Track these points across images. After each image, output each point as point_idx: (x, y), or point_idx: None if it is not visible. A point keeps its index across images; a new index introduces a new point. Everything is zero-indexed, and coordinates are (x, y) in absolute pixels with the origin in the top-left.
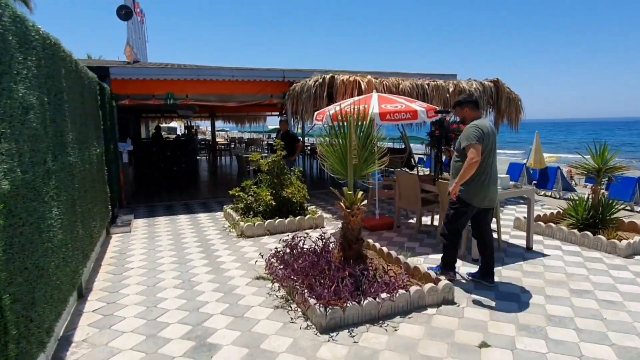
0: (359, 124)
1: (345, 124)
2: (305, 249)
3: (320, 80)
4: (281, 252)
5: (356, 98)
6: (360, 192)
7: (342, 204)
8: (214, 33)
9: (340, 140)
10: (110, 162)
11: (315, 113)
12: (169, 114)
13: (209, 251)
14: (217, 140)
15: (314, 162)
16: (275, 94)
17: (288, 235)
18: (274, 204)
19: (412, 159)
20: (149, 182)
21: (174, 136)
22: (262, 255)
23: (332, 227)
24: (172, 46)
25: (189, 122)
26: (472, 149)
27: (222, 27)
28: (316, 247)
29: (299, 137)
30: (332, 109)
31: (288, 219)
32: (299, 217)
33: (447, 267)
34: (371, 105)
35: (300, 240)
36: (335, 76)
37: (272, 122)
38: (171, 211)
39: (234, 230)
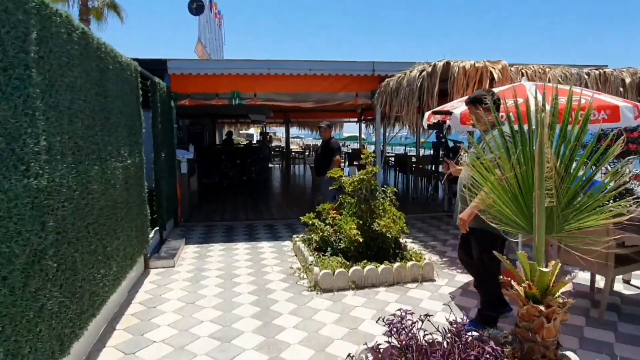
0: (565, 128)
1: (521, 128)
2: (426, 344)
3: (429, 69)
4: (386, 349)
5: (501, 88)
6: (555, 264)
7: (519, 288)
8: (295, 33)
9: (514, 159)
10: (160, 175)
11: (427, 114)
12: (243, 119)
13: (267, 315)
14: (291, 147)
15: (399, 176)
16: (362, 92)
17: (382, 293)
18: (360, 240)
19: None
20: (214, 193)
21: (247, 142)
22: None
23: (445, 280)
24: (251, 51)
25: (264, 128)
26: None
27: (303, 24)
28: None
29: (339, 148)
30: (458, 106)
31: (382, 266)
32: (397, 264)
33: (499, 307)
34: (530, 99)
35: (414, 326)
36: (452, 63)
37: (350, 129)
38: (230, 235)
39: (305, 276)
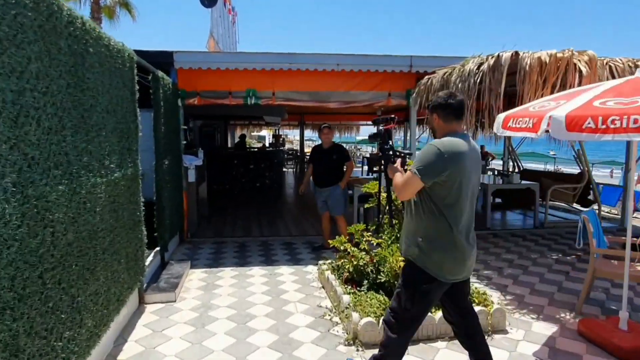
0: None
1: None
2: None
3: (491, 61)
4: None
5: (609, 83)
6: None
7: None
8: (314, 30)
9: None
10: (162, 185)
11: (502, 116)
12: (256, 121)
13: None
14: (305, 150)
15: None
16: (396, 91)
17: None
18: None
19: (592, 190)
20: (225, 203)
21: (259, 145)
22: None
23: (521, 332)
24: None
25: (277, 131)
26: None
27: (324, 18)
28: None
29: (347, 150)
30: (555, 106)
31: (439, 313)
32: None
33: None
34: None
35: None
36: (522, 53)
37: (367, 132)
38: (243, 255)
39: (338, 321)
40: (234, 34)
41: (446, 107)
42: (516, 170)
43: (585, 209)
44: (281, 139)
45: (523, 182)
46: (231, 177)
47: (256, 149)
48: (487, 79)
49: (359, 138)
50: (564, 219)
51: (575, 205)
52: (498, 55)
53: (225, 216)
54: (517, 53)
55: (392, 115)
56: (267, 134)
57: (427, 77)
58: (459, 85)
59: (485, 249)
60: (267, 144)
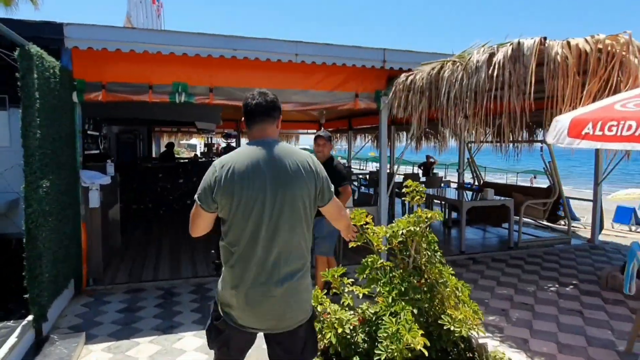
0: None
1: None
2: None
3: (508, 50)
4: None
5: None
6: None
7: None
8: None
9: None
10: (36, 219)
11: (567, 121)
12: (186, 128)
13: None
14: None
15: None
16: (364, 92)
17: None
18: (425, 354)
19: (562, 205)
20: (146, 227)
21: (191, 155)
22: None
23: None
24: None
25: (209, 139)
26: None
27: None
28: None
29: (346, 169)
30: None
31: None
32: None
33: None
34: None
35: None
36: (550, 41)
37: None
38: (170, 310)
39: None
40: (160, 26)
41: (245, 108)
42: (475, 183)
43: (554, 225)
44: (215, 148)
45: (496, 197)
46: (156, 195)
47: (187, 160)
48: (505, 73)
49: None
50: (535, 237)
51: (544, 222)
52: (518, 43)
53: (147, 248)
54: (544, 38)
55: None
56: (198, 142)
57: (404, 75)
58: (464, 82)
59: (473, 281)
60: (199, 154)
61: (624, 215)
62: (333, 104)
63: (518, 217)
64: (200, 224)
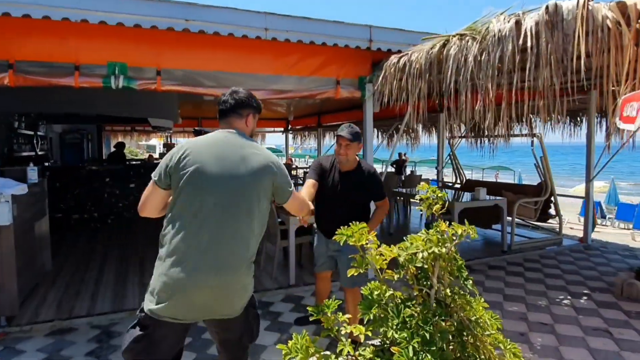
0: None
1: None
2: None
3: (546, 14)
4: None
5: None
6: None
7: None
8: None
9: None
10: None
11: (619, 101)
12: (142, 126)
13: None
14: None
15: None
16: (346, 78)
17: None
18: None
19: (552, 203)
20: (89, 243)
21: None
22: None
23: None
24: None
25: (169, 138)
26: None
27: None
28: None
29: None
30: None
31: None
32: None
33: None
34: None
35: None
36: (594, 4)
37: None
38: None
39: None
40: None
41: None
42: (458, 181)
43: (543, 224)
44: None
45: (489, 197)
46: (102, 202)
47: (140, 162)
48: (541, 43)
49: (269, 146)
50: (527, 238)
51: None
52: (555, 5)
53: (86, 270)
54: (588, 0)
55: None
56: (158, 143)
57: (395, 56)
58: (480, 58)
59: None
60: (157, 155)
61: (627, 212)
62: (310, 91)
63: (510, 218)
64: (150, 200)
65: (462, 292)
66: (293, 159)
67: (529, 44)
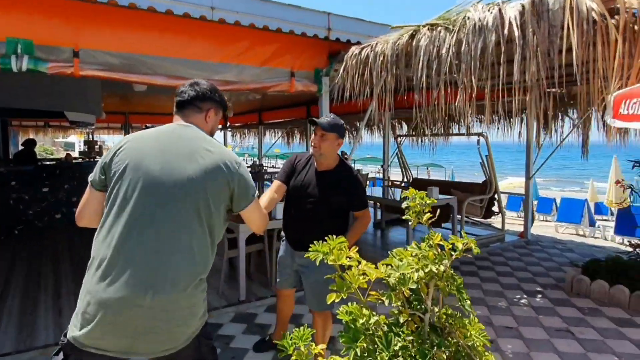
0: None
1: None
2: None
3: (530, 3)
4: None
5: None
6: None
7: None
8: None
9: None
10: None
11: (612, 98)
12: (57, 121)
13: None
14: None
15: None
16: (301, 71)
17: None
18: None
19: (497, 201)
20: None
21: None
22: None
23: None
24: None
25: (90, 135)
26: None
27: None
28: None
29: (362, 183)
30: None
31: None
32: None
33: None
34: None
35: None
36: None
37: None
38: None
39: None
40: None
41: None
42: (405, 179)
43: (485, 221)
44: (98, 147)
45: (440, 196)
46: (7, 210)
47: (55, 162)
48: (528, 34)
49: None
50: (475, 236)
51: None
52: None
53: None
54: None
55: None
56: (77, 140)
57: (356, 47)
58: (457, 50)
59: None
60: (76, 154)
61: (546, 205)
62: (262, 84)
63: (459, 217)
64: (86, 206)
65: (457, 314)
66: None
67: (516, 33)
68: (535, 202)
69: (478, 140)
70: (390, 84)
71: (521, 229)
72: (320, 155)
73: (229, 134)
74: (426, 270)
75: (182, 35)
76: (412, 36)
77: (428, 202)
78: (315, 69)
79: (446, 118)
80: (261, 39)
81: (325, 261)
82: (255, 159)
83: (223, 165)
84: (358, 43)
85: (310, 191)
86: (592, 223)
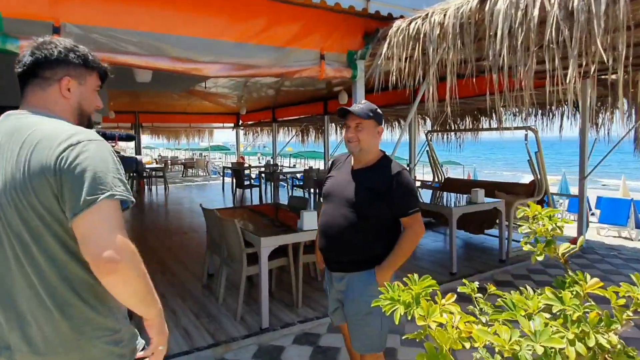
0: None
1: None
2: None
3: None
4: None
5: None
6: None
7: None
8: None
9: None
10: None
11: None
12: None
13: None
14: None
15: None
16: (333, 52)
17: None
18: None
19: (547, 203)
20: None
21: None
22: None
23: None
24: None
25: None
26: None
27: None
28: None
29: (412, 183)
30: None
31: None
32: None
33: None
34: None
35: None
36: None
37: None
38: None
39: None
40: None
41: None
42: (436, 180)
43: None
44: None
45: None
46: None
47: None
48: None
49: (202, 145)
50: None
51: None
52: None
53: None
54: None
55: None
56: None
57: (401, 21)
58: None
59: None
60: None
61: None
62: (285, 68)
63: (507, 222)
64: None
65: None
66: (245, 158)
67: None
68: (567, 201)
69: (526, 135)
70: (453, 64)
71: (570, 233)
72: (360, 151)
73: (241, 132)
74: (589, 342)
75: (188, 6)
76: (482, 1)
77: (559, 224)
78: (349, 50)
79: (476, 112)
80: (283, 13)
81: (405, 315)
82: (269, 158)
83: (51, 155)
84: (401, 17)
85: (343, 195)
86: (639, 225)
